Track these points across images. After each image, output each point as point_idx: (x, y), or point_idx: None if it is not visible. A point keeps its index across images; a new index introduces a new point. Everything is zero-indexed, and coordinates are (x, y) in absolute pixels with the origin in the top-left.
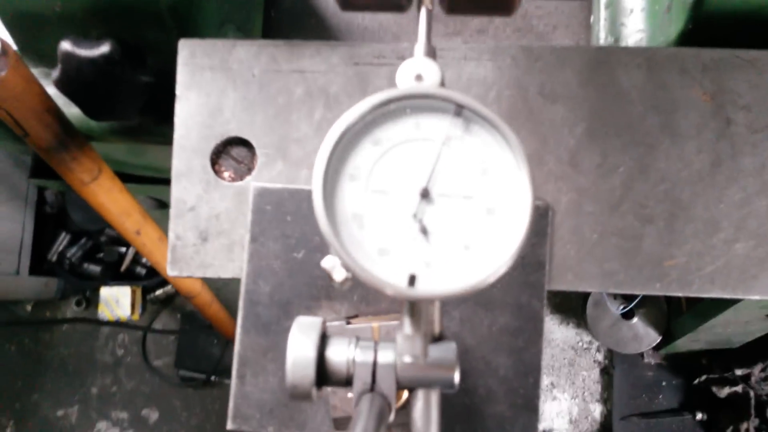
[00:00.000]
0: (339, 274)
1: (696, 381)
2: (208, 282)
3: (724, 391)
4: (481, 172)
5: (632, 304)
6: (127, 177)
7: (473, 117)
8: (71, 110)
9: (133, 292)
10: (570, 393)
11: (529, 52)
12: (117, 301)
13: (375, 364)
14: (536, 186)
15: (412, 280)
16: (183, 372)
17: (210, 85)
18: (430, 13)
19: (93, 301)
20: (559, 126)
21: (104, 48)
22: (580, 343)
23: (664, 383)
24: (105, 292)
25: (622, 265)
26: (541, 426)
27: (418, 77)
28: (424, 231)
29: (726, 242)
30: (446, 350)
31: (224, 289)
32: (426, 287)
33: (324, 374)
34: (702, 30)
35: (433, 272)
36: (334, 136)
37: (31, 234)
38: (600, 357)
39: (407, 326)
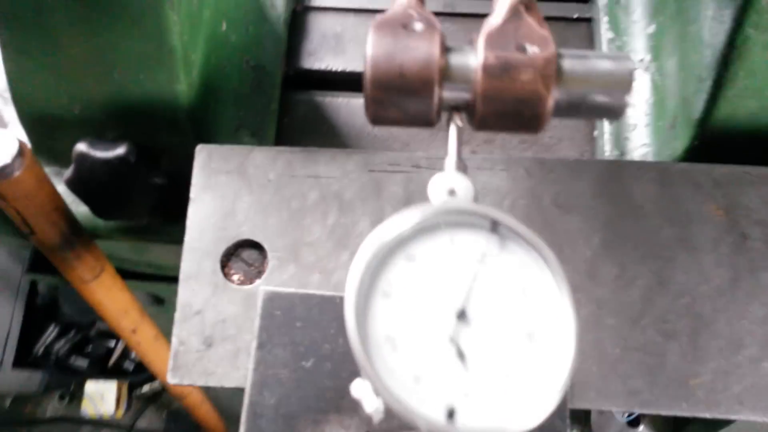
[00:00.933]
0: (370, 405)
1: None
2: None
3: None
4: (520, 292)
5: (638, 412)
6: (126, 272)
7: (509, 234)
8: (79, 208)
9: (119, 388)
10: None
11: (542, 164)
12: (102, 396)
13: None
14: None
15: (450, 413)
16: None
17: (225, 189)
18: (460, 130)
19: (77, 395)
20: (575, 236)
21: (120, 150)
22: None
23: None
24: (90, 387)
25: (646, 382)
26: None
27: (451, 192)
28: (461, 355)
29: (752, 360)
30: None
31: (216, 390)
32: (469, 424)
33: None
34: (709, 146)
35: (472, 404)
36: (368, 252)
37: (19, 326)
38: None
39: None
